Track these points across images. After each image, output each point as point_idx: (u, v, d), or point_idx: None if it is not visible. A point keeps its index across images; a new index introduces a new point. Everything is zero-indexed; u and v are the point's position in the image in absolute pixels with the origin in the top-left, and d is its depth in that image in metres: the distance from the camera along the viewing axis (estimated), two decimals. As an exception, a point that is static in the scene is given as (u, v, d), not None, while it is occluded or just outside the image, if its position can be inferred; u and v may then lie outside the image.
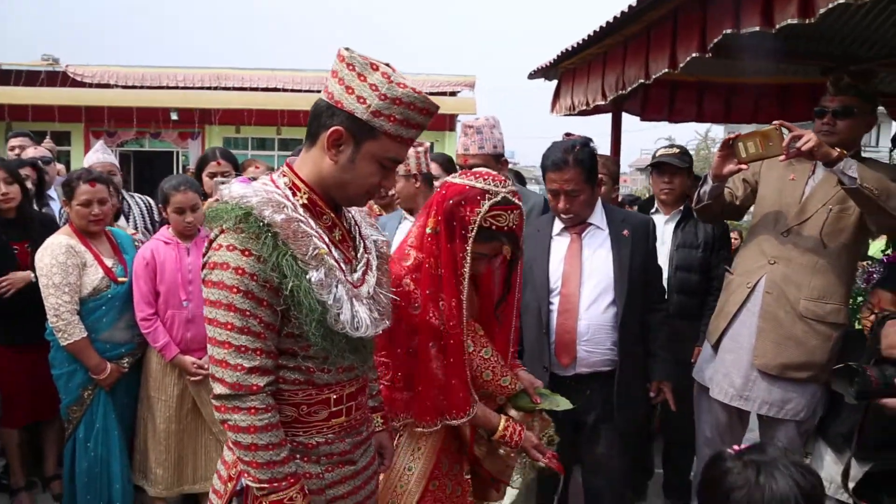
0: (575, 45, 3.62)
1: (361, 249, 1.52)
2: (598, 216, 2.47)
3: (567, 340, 2.40)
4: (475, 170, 1.82)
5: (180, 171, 14.13)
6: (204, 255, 1.39)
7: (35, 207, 3.39)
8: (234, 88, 13.47)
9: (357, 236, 1.53)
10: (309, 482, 1.43)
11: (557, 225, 2.53)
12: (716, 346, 2.66)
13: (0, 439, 3.23)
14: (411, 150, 3.00)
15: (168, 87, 13.55)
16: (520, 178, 4.02)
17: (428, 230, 1.78)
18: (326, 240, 1.40)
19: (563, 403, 1.90)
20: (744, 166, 2.36)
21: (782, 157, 2.26)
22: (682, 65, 2.63)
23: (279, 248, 1.30)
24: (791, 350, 2.43)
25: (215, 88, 13.48)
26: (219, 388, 1.34)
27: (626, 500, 2.76)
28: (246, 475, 1.38)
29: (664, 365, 2.57)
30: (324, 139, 1.37)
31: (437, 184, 4.15)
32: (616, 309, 2.39)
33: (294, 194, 1.40)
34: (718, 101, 4.30)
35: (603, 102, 3.74)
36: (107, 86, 13.58)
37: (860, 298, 3.03)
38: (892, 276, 2.51)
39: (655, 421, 3.58)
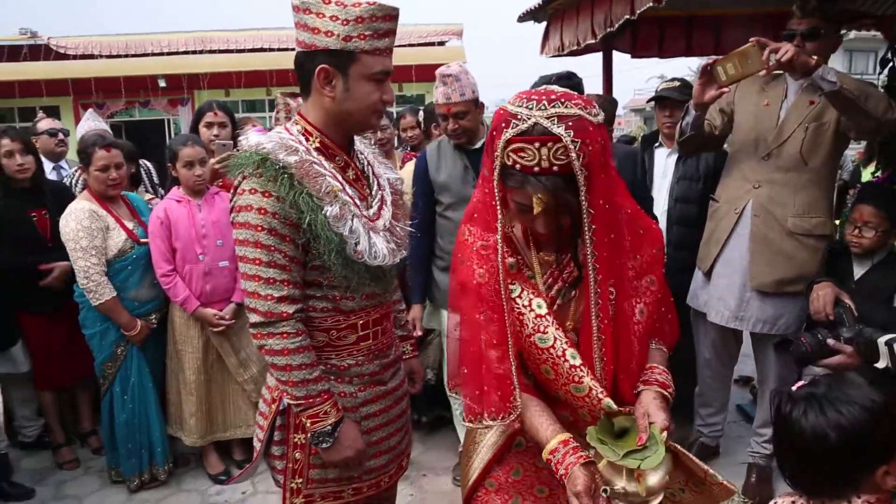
0: (563, -16, 3.65)
1: (375, 187, 1.64)
2: None
3: None
4: (537, 88, 1.28)
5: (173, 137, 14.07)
6: (231, 201, 1.51)
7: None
8: (221, 51, 13.32)
9: (370, 175, 1.65)
10: (344, 400, 1.59)
11: None
12: (708, 273, 2.80)
13: (38, 401, 3.41)
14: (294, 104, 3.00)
15: (153, 54, 13.39)
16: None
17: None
18: (340, 179, 1.52)
19: (652, 461, 1.25)
20: (725, 89, 2.42)
21: (763, 72, 2.31)
22: (665, -1, 2.68)
23: (295, 187, 1.43)
24: (783, 265, 2.56)
25: (202, 52, 13.33)
26: (254, 318, 1.49)
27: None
28: (285, 394, 1.53)
29: None
30: (315, 82, 1.47)
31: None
32: None
33: (307, 139, 1.52)
34: (707, 34, 4.34)
35: (593, 41, 3.78)
36: (91, 56, 13.42)
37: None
38: (871, 190, 2.64)
39: None
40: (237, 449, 3.33)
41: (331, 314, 1.56)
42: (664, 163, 3.37)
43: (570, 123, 1.19)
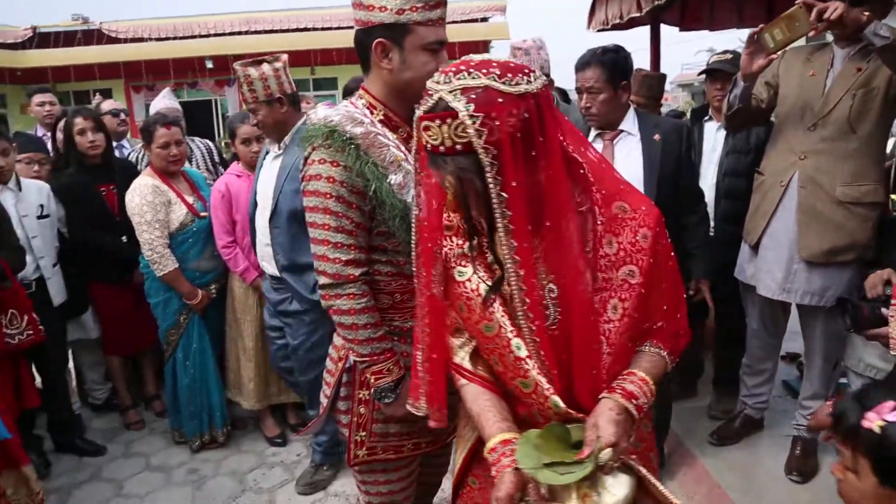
0: (610, -43, 3.63)
1: None
2: (630, 122, 2.54)
3: None
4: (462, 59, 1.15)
5: (220, 119, 14.45)
6: (301, 171, 1.60)
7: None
8: (265, 31, 13.53)
9: None
10: (406, 360, 1.66)
11: (591, 133, 2.63)
12: (755, 246, 2.79)
13: (106, 366, 3.63)
14: (268, 70, 2.85)
15: (200, 36, 13.69)
16: (564, 96, 4.02)
17: None
18: (403, 149, 1.59)
19: (568, 478, 1.10)
20: (774, 56, 2.37)
21: (812, 33, 2.26)
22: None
23: (361, 157, 1.51)
24: (833, 234, 2.53)
25: (247, 33, 13.57)
26: (322, 280, 1.58)
27: (670, 393, 2.96)
28: (351, 352, 1.63)
29: (701, 264, 2.70)
30: (374, 57, 1.54)
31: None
32: None
33: (372, 112, 1.60)
34: (759, 4, 4.24)
35: (638, 14, 3.75)
36: (141, 40, 13.81)
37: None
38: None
39: (706, 332, 3.67)
40: (291, 413, 3.49)
41: (395, 278, 1.64)
42: (713, 136, 3.34)
43: (474, 96, 1.05)
